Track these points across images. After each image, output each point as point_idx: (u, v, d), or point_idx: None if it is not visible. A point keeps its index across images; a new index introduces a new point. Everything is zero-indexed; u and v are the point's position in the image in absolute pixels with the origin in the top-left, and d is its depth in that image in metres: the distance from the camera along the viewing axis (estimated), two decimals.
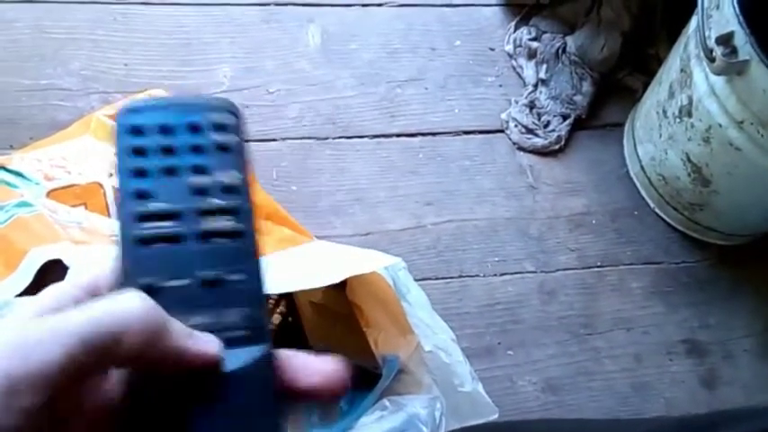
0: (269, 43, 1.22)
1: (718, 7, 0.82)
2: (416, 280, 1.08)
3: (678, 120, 0.98)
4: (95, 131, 0.94)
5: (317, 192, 1.13)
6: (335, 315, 0.81)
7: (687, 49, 0.92)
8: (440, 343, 0.83)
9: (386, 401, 0.74)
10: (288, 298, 0.77)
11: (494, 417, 0.84)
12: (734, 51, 0.80)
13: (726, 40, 0.80)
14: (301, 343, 0.78)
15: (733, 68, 0.80)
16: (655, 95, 1.13)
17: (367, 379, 0.77)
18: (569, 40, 1.24)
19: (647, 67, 1.25)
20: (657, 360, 1.09)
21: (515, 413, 1.02)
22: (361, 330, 0.81)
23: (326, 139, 1.16)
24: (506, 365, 1.06)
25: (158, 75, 1.17)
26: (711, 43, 0.81)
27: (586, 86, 1.22)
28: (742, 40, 0.79)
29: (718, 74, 0.81)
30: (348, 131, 1.17)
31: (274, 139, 1.15)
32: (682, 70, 0.94)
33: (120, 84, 1.15)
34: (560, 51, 1.24)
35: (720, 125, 0.89)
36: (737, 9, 0.79)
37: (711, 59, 0.80)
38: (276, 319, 0.73)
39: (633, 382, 1.07)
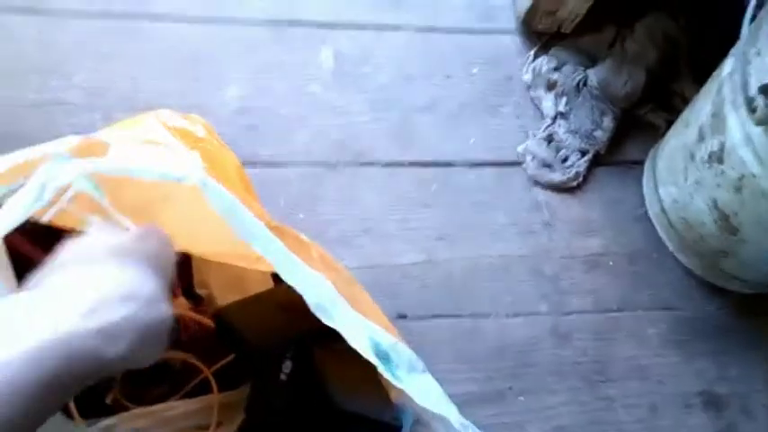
0: (280, 64, 1.18)
1: (759, 54, 0.78)
2: (426, 318, 1.04)
3: (707, 165, 0.94)
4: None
5: (325, 221, 1.08)
6: (353, 361, 0.76)
7: (721, 93, 0.88)
8: None
9: None
10: (300, 343, 0.72)
11: None
12: None
13: None
14: (317, 389, 0.73)
15: None
16: (681, 137, 1.08)
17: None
18: (591, 72, 1.20)
19: (670, 103, 1.21)
20: (673, 412, 1.04)
21: None
22: (378, 378, 0.76)
23: (336, 166, 1.12)
24: (517, 412, 1.01)
25: (165, 92, 1.13)
26: (752, 92, 0.77)
27: (607, 122, 1.18)
28: None
29: (759, 124, 0.76)
30: (360, 159, 1.13)
31: (283, 165, 1.10)
32: (714, 115, 0.90)
33: (125, 101, 1.11)
34: (581, 84, 1.20)
35: (754, 175, 0.84)
36: None
37: (752, 109, 0.76)
38: (286, 367, 0.68)
39: None
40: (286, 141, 1.12)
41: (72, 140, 0.54)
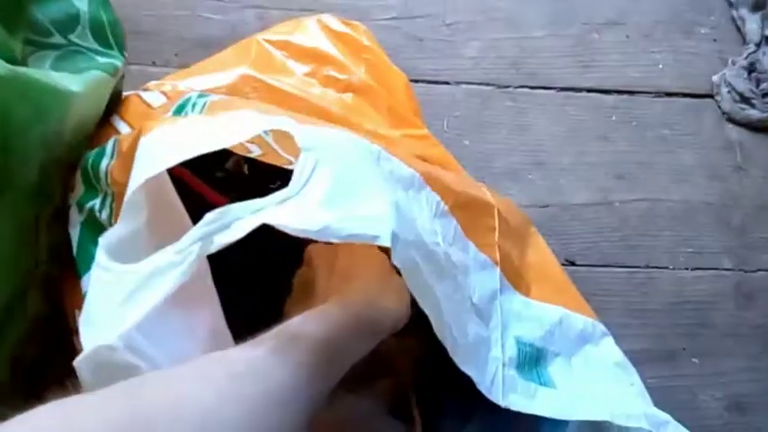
0: None
1: None
2: (597, 266, 0.95)
3: None
4: (255, 63, 0.79)
5: (492, 150, 0.97)
6: None
7: None
8: None
9: None
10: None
11: None
12: None
13: None
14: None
15: None
16: None
17: None
18: None
19: None
20: None
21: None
22: None
23: (508, 87, 1.00)
24: (689, 375, 0.93)
25: None
26: None
27: None
28: None
29: None
30: (533, 80, 1.00)
31: (447, 82, 0.99)
32: None
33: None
34: None
35: None
36: None
37: None
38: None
39: None
40: (453, 56, 1.00)
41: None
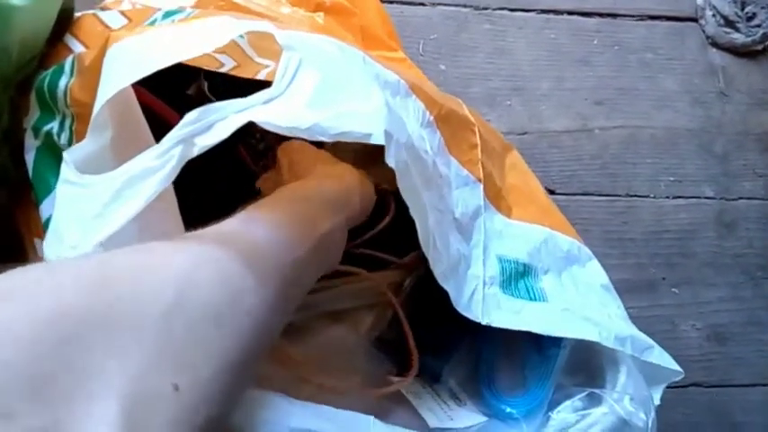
0: None
1: None
2: (577, 194, 0.92)
3: None
4: None
5: (469, 74, 0.93)
6: None
7: None
8: None
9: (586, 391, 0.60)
10: None
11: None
12: None
13: None
14: None
15: None
16: None
17: None
18: None
19: None
20: None
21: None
22: None
23: (486, 9, 0.95)
24: (669, 305, 0.91)
25: None
26: None
27: None
28: None
29: None
30: (512, 2, 0.96)
31: (423, 4, 0.94)
32: None
33: None
34: None
35: None
36: None
37: None
38: None
39: None
40: None
41: None
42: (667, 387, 0.86)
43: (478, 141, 0.64)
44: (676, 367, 0.63)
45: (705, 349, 0.91)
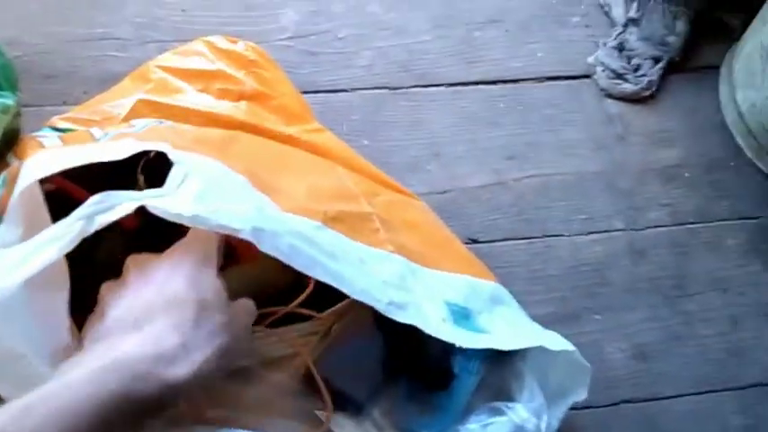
0: None
1: None
2: (498, 241, 1.03)
3: None
4: (152, 88, 0.86)
5: (390, 147, 1.06)
6: None
7: None
8: None
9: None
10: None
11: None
12: None
13: None
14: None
15: None
16: (757, 35, 1.02)
17: None
18: None
19: (747, 3, 1.13)
20: (755, 323, 1.02)
21: (604, 382, 0.97)
22: None
23: (400, 88, 1.09)
24: (594, 331, 1.00)
25: (218, 20, 1.10)
26: None
27: (680, 26, 1.12)
28: None
29: None
30: (423, 80, 1.09)
31: (344, 90, 1.08)
32: None
33: (177, 31, 1.08)
34: None
35: None
36: None
37: None
38: None
39: (729, 347, 1.01)
40: (347, 66, 1.09)
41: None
42: (601, 406, 0.96)
43: (379, 226, 0.71)
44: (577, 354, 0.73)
45: (631, 368, 0.99)
